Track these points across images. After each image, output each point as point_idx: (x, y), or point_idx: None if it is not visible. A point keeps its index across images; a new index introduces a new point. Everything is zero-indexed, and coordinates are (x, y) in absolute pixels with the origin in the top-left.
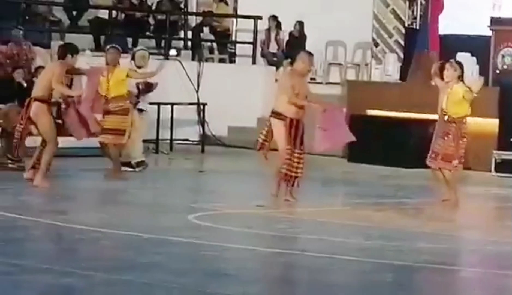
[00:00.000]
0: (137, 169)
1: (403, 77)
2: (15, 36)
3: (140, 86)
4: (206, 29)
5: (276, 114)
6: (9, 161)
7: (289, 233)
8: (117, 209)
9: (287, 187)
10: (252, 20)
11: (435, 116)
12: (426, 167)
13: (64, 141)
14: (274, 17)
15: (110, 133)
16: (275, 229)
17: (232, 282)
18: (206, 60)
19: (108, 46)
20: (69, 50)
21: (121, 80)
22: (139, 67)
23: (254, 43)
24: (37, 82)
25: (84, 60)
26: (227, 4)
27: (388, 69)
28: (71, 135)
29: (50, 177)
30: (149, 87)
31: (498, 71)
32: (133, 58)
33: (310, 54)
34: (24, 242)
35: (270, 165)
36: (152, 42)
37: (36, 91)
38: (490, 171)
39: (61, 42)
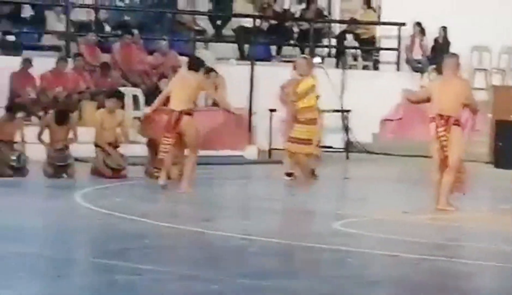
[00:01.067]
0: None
1: None
2: (160, 46)
3: None
4: (349, 36)
5: (458, 122)
6: (155, 170)
7: (435, 239)
8: (263, 216)
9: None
10: (396, 27)
11: None
12: None
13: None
14: (418, 24)
15: (298, 143)
16: (421, 235)
17: (378, 289)
18: (350, 67)
19: (299, 56)
20: (201, 63)
21: (308, 91)
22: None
23: (398, 49)
24: (179, 94)
25: (228, 69)
26: (374, 10)
27: None
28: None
29: (196, 185)
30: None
31: None
32: (295, 67)
33: (457, 56)
34: (173, 249)
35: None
36: (296, 50)
37: (181, 104)
38: None
39: (206, 51)
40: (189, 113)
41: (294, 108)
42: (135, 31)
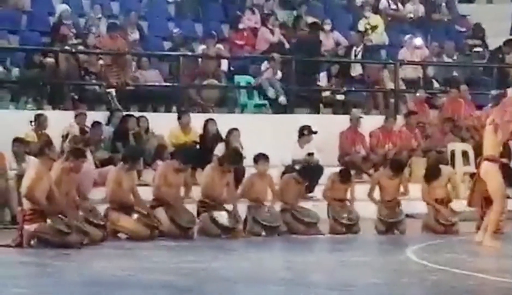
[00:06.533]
0: None
1: None
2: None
3: None
4: None
5: None
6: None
7: None
8: None
9: None
10: None
11: None
12: None
13: None
14: None
15: None
16: None
17: None
18: None
19: None
20: None
21: None
22: None
23: None
24: (485, 139)
25: None
26: None
27: None
28: None
29: None
30: None
31: None
32: None
33: None
34: None
35: None
36: None
37: (486, 151)
38: None
39: None
40: (490, 159)
41: None
42: (464, 87)
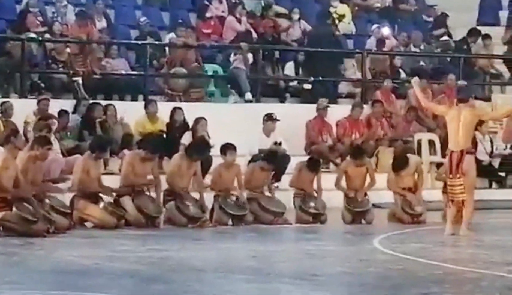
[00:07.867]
0: None
1: None
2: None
3: None
4: None
5: None
6: None
7: None
8: None
9: None
10: None
11: None
12: None
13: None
14: None
15: None
16: None
17: None
18: None
19: None
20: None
21: None
22: None
23: None
24: (457, 132)
25: None
26: None
27: None
28: None
29: (496, 229)
30: None
31: None
32: None
33: None
34: (471, 293)
35: None
36: None
37: (464, 143)
38: None
39: (502, 95)
40: (470, 152)
41: None
42: (451, 76)
